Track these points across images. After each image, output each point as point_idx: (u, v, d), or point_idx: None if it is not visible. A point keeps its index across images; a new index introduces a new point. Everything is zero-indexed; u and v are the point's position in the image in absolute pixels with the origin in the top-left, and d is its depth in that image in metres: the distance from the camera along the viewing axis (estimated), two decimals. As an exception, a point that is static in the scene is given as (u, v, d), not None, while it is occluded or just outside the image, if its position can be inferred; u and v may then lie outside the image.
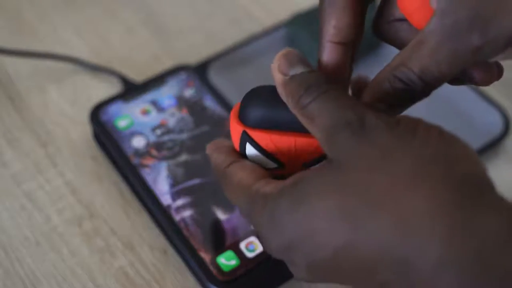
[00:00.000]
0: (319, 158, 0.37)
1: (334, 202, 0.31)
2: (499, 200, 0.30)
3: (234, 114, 0.37)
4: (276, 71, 0.36)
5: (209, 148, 0.39)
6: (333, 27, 0.36)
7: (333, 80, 0.35)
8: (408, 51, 0.34)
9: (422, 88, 0.35)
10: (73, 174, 0.50)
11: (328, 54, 0.37)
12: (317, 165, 0.34)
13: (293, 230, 0.32)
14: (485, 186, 0.31)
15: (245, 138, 0.37)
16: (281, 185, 0.34)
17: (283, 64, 0.35)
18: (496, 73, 0.37)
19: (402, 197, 0.30)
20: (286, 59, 0.35)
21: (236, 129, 0.37)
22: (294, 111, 0.35)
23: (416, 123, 0.33)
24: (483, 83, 0.37)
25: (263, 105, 0.36)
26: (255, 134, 0.36)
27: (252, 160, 0.37)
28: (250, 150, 0.37)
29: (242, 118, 0.37)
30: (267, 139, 0.36)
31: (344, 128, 0.32)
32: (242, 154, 0.38)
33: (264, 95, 0.37)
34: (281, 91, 0.35)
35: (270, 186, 0.34)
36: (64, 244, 0.46)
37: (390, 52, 0.41)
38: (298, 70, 0.35)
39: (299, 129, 0.36)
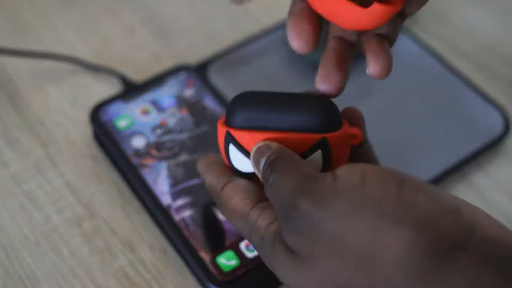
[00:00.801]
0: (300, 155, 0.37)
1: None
2: (469, 256, 0.30)
3: (220, 120, 0.39)
4: (257, 172, 0.37)
5: (200, 167, 0.42)
6: None
7: (280, 153, 0.36)
8: None
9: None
10: (73, 174, 0.50)
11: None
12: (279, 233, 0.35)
13: (284, 274, 0.35)
14: (453, 243, 0.30)
15: (228, 138, 0.38)
16: (270, 230, 0.35)
17: (254, 167, 0.37)
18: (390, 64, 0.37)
19: (367, 274, 0.31)
20: (253, 161, 0.37)
21: (221, 132, 0.38)
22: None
23: (362, 182, 0.32)
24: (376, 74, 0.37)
25: (245, 106, 0.38)
26: (237, 134, 0.38)
27: (236, 162, 0.38)
28: (232, 151, 0.38)
29: (227, 121, 0.38)
30: (248, 137, 0.37)
31: (284, 223, 0.34)
32: (227, 159, 0.39)
33: (248, 98, 0.38)
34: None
35: (263, 219, 0.36)
36: (64, 244, 0.46)
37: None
38: (262, 162, 0.36)
39: (279, 129, 0.37)
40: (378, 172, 0.32)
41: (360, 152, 0.40)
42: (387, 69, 0.36)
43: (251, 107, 0.37)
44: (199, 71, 0.54)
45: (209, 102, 0.51)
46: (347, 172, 0.32)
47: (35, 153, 0.51)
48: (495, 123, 0.52)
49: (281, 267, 0.34)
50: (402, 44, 0.57)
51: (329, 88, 0.37)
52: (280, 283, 0.44)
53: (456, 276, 0.30)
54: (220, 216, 0.45)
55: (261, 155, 0.36)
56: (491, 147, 0.51)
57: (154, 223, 0.47)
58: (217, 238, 0.44)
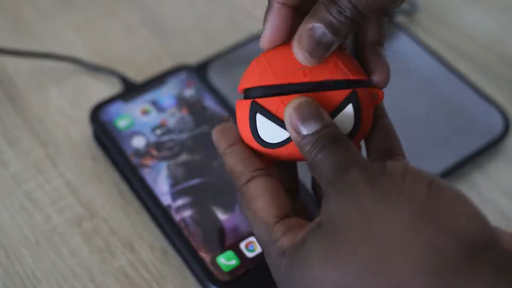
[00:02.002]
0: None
1: (329, 275, 0.32)
2: (488, 263, 0.30)
3: (239, 99, 0.38)
4: (290, 127, 0.36)
5: (219, 142, 0.39)
6: None
7: (340, 136, 0.35)
8: None
9: (354, 15, 0.35)
10: (73, 174, 0.50)
11: (273, 12, 0.37)
12: (315, 224, 0.34)
13: (312, 268, 0.33)
14: (474, 247, 0.30)
15: (255, 108, 0.37)
16: (294, 242, 0.34)
17: (294, 120, 0.36)
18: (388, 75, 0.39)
19: (387, 266, 0.31)
20: (297, 115, 0.36)
21: (244, 107, 0.37)
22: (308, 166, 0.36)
23: (403, 175, 0.33)
24: (381, 84, 0.39)
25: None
26: (264, 101, 0.37)
27: (264, 134, 0.37)
28: (260, 121, 0.37)
29: (249, 95, 0.38)
30: (277, 101, 0.36)
31: (330, 186, 0.34)
32: (253, 133, 0.37)
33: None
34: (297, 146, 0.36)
35: (287, 239, 0.35)
36: (64, 244, 0.46)
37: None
38: (311, 127, 0.35)
39: (306, 91, 0.36)
40: (415, 169, 0.33)
41: (381, 126, 0.39)
42: (388, 77, 0.39)
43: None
44: (199, 71, 0.54)
45: (209, 102, 0.51)
46: (392, 163, 0.34)
47: (35, 153, 0.51)
48: (495, 123, 0.52)
49: (310, 260, 0.33)
50: (402, 44, 0.57)
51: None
52: (280, 283, 0.44)
53: (475, 284, 0.30)
54: (220, 216, 0.45)
55: (311, 116, 0.35)
56: (491, 147, 0.51)
57: (154, 223, 0.47)
58: (217, 238, 0.44)
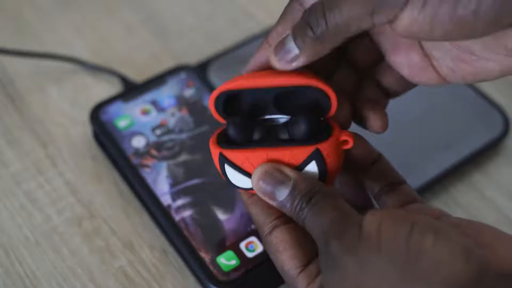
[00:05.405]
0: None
1: None
2: None
3: (212, 140, 0.39)
4: (265, 198, 0.37)
5: (242, 192, 0.40)
6: (276, 32, 0.38)
7: (314, 191, 0.36)
8: None
9: (320, 28, 0.35)
10: (73, 174, 0.50)
11: (261, 53, 0.39)
12: (319, 285, 0.35)
13: None
14: (462, 286, 0.30)
15: (222, 160, 0.38)
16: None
17: (265, 191, 0.37)
18: (386, 122, 0.39)
19: None
20: (266, 186, 0.37)
21: (214, 153, 0.38)
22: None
23: (379, 233, 0.33)
24: (377, 129, 0.39)
25: (235, 127, 0.38)
26: (229, 154, 0.37)
27: (233, 180, 0.38)
28: (229, 171, 0.38)
29: (219, 142, 0.38)
30: (241, 156, 0.37)
31: (320, 255, 0.35)
32: (223, 175, 0.38)
33: (237, 120, 0.38)
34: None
35: None
36: (64, 244, 0.46)
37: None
38: (283, 191, 0.36)
39: (270, 146, 0.37)
40: (391, 219, 0.33)
41: (379, 170, 0.40)
42: (386, 123, 0.40)
43: (239, 127, 0.38)
44: (199, 71, 0.54)
45: (209, 102, 0.52)
46: (369, 220, 0.34)
47: (35, 153, 0.51)
48: (495, 123, 0.52)
49: None
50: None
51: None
52: (280, 284, 0.44)
53: None
54: (220, 216, 0.45)
55: (278, 182, 0.36)
56: (491, 147, 0.51)
57: (154, 223, 0.47)
58: (217, 238, 0.44)
